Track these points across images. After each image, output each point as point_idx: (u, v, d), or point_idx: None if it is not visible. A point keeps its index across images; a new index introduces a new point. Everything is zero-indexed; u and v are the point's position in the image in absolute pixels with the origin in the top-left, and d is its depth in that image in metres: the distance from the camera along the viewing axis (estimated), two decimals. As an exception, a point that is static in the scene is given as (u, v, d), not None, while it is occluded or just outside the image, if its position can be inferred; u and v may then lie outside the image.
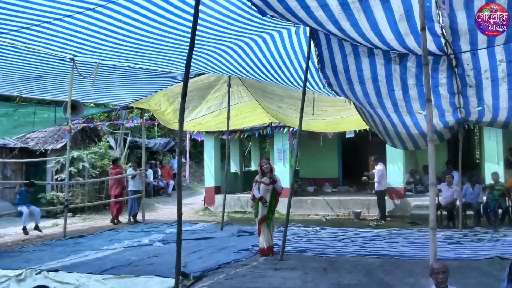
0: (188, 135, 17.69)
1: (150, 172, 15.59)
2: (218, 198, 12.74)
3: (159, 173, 17.07)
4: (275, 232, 7.13)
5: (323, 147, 13.30)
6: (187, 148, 18.82)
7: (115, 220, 10.80)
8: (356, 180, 13.36)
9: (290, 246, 7.23)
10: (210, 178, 13.20)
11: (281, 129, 11.88)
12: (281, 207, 9.51)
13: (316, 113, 8.07)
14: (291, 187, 6.70)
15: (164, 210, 13.55)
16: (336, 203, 11.42)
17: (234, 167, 15.15)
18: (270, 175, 6.69)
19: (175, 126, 10.95)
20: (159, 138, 19.81)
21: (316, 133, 12.21)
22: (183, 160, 17.85)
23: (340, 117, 8.84)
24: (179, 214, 3.82)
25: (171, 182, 17.26)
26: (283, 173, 11.70)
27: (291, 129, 11.59)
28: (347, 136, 11.15)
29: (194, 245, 7.71)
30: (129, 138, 16.71)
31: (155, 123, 16.55)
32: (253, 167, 16.66)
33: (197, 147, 22.35)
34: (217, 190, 13.04)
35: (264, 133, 12.43)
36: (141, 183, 11.06)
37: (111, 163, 12.17)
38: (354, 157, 14.27)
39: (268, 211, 6.64)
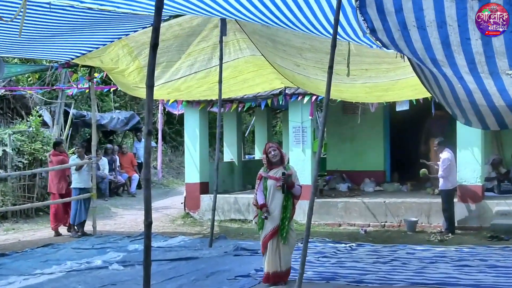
0: (160, 107, 17.76)
1: (104, 161, 15.70)
2: (205, 200, 12.86)
3: (118, 163, 17.18)
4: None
5: (362, 126, 13.30)
6: (159, 127, 18.90)
7: (58, 230, 10.99)
8: (410, 175, 13.39)
9: (312, 270, 7.31)
10: (193, 170, 13.29)
11: (299, 98, 11.88)
12: (300, 213, 9.59)
13: (353, 74, 8.04)
14: (314, 184, 6.72)
15: (126, 217, 13.69)
16: (381, 208, 11.49)
17: (229, 155, 15.22)
18: (281, 167, 6.70)
19: (141, 93, 10.98)
20: (118, 111, 19.87)
21: (352, 104, 12.21)
22: (152, 143, 18.03)
23: (388, 81, 8.83)
24: (148, 223, 3.88)
25: (135, 176, 17.38)
26: (302, 163, 11.76)
27: (314, 97, 11.59)
28: (398, 109, 11.13)
29: (169, 268, 7.80)
30: (72, 111, 16.77)
31: (111, 89, 16.59)
32: (258, 154, 16.74)
33: (174, 125, 22.49)
34: (204, 188, 13.15)
35: (275, 104, 12.44)
36: (91, 177, 11.16)
37: (51, 147, 12.21)
38: (408, 141, 14.28)
39: (282, 219, 6.65)
